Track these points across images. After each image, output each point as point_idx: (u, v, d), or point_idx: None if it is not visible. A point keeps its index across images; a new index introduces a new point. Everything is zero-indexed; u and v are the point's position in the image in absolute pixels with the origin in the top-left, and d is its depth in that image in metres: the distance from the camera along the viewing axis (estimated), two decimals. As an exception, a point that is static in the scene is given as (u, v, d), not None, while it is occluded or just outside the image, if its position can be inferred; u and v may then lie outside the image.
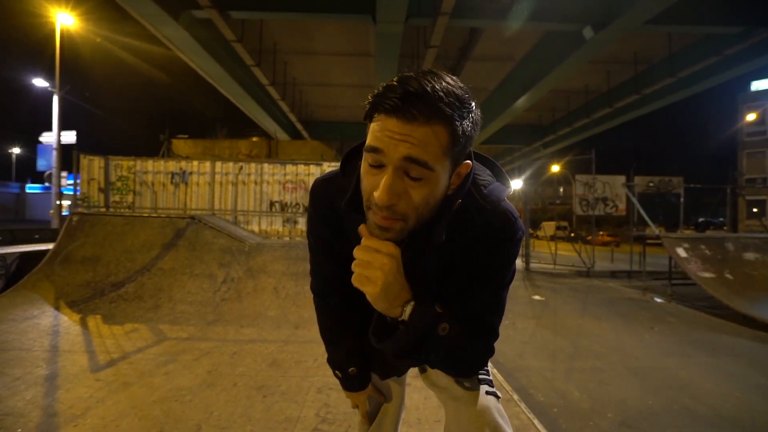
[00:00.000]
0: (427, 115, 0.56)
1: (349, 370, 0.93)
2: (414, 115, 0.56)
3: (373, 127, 0.61)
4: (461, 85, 0.62)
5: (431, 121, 0.57)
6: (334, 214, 0.80)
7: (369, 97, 0.61)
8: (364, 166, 0.65)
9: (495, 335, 0.79)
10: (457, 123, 0.59)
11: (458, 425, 0.81)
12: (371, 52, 11.66)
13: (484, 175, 0.76)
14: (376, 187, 0.61)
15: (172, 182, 8.06)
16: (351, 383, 0.96)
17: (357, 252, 0.66)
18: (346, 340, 0.94)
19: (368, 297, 0.67)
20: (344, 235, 0.82)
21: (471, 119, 0.62)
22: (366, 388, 0.97)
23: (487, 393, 0.83)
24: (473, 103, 0.62)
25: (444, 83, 0.59)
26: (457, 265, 0.77)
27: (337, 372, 0.96)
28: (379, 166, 0.61)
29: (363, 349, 0.93)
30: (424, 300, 0.70)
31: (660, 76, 11.41)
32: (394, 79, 0.60)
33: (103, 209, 7.69)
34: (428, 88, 0.56)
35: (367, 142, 0.62)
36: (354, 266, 0.67)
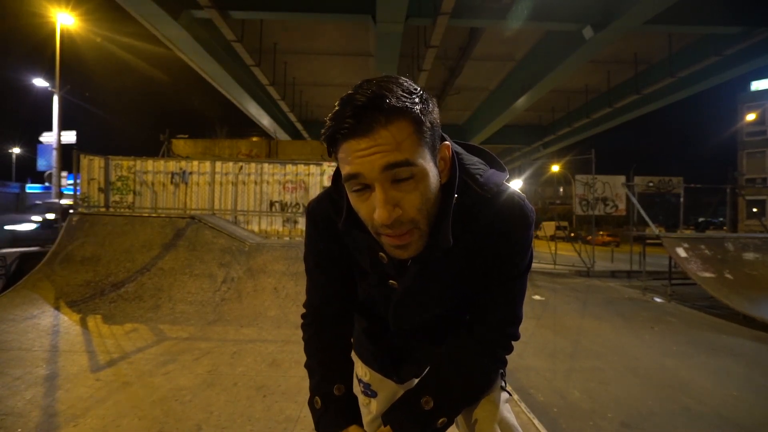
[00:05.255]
0: (382, 119, 0.56)
1: (335, 388, 0.77)
2: (371, 126, 0.56)
3: (342, 157, 0.60)
4: (402, 79, 0.61)
5: (390, 119, 0.56)
6: (334, 232, 0.78)
7: (322, 135, 0.60)
8: (352, 198, 0.63)
9: (520, 320, 0.78)
10: (413, 110, 0.58)
11: (468, 415, 0.80)
12: (371, 52, 11.65)
13: (476, 163, 0.72)
14: (373, 209, 0.60)
15: (172, 182, 8.05)
16: (333, 413, 0.75)
17: None
18: (339, 353, 0.84)
19: None
20: (346, 250, 0.80)
21: (425, 102, 0.61)
22: (351, 425, 0.75)
23: (501, 388, 0.83)
24: (419, 89, 0.62)
25: (383, 83, 0.59)
26: (471, 267, 0.73)
27: (317, 399, 0.77)
28: (365, 189, 0.60)
29: (352, 371, 0.84)
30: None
31: (660, 76, 11.41)
32: (336, 105, 0.59)
33: (103, 209, 7.68)
34: (370, 95, 0.56)
35: (343, 173, 0.60)
36: None
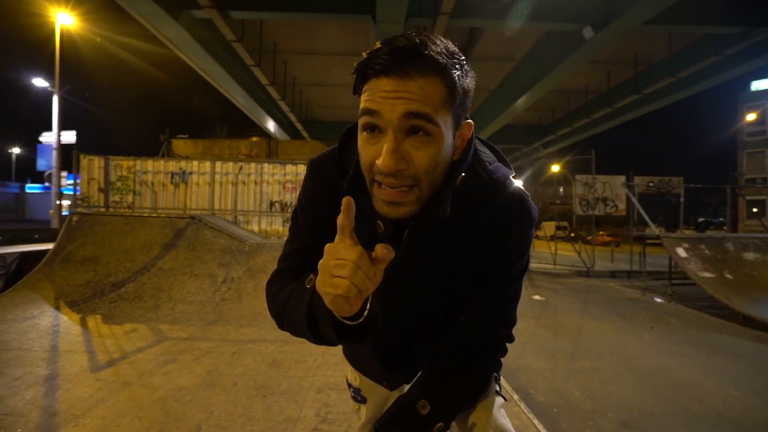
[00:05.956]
0: (420, 68, 0.53)
1: (307, 280, 0.66)
2: (406, 71, 0.53)
3: (366, 90, 0.56)
4: (448, 41, 0.59)
5: (425, 73, 0.54)
6: (333, 194, 0.71)
7: (354, 66, 0.57)
8: (361, 138, 0.59)
9: (514, 323, 0.77)
10: (452, 73, 0.56)
11: (462, 422, 0.79)
12: (371, 52, 11.67)
13: (487, 152, 0.72)
14: (377, 155, 0.56)
15: (172, 182, 8.06)
16: (306, 300, 0.63)
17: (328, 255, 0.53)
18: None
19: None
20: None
21: (464, 70, 0.58)
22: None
23: (496, 392, 0.81)
24: (463, 57, 0.59)
25: (430, 36, 0.56)
26: (470, 253, 0.70)
27: (310, 278, 0.66)
28: (377, 133, 0.57)
29: None
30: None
31: (660, 76, 11.42)
32: (378, 43, 0.56)
33: (103, 209, 7.68)
34: (417, 41, 0.54)
35: (361, 107, 0.57)
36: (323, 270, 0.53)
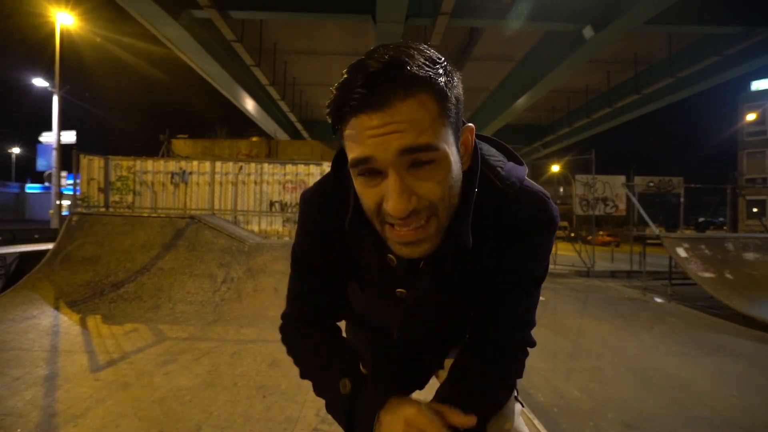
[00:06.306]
0: (402, 88, 0.46)
1: (360, 366, 0.70)
2: (387, 98, 0.46)
3: (349, 134, 0.50)
4: (424, 46, 0.52)
5: (411, 93, 0.47)
6: (332, 205, 0.66)
7: (327, 109, 0.51)
8: (358, 184, 0.54)
9: (532, 326, 0.72)
10: (440, 83, 0.48)
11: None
12: (371, 52, 11.68)
13: (495, 154, 0.65)
14: (381, 197, 0.51)
15: (172, 182, 8.06)
16: (372, 389, 0.66)
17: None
18: (345, 343, 0.77)
19: None
20: (349, 254, 0.69)
21: (449, 74, 0.51)
22: (392, 396, 0.64)
23: (515, 398, 0.79)
24: (443, 58, 0.52)
25: (402, 49, 0.49)
26: (487, 270, 0.66)
27: (345, 382, 0.68)
28: (375, 175, 0.51)
29: (359, 365, 0.75)
30: None
31: (660, 76, 11.43)
32: (344, 73, 0.49)
33: (102, 209, 7.69)
34: (389, 59, 0.47)
35: (351, 156, 0.50)
36: None
